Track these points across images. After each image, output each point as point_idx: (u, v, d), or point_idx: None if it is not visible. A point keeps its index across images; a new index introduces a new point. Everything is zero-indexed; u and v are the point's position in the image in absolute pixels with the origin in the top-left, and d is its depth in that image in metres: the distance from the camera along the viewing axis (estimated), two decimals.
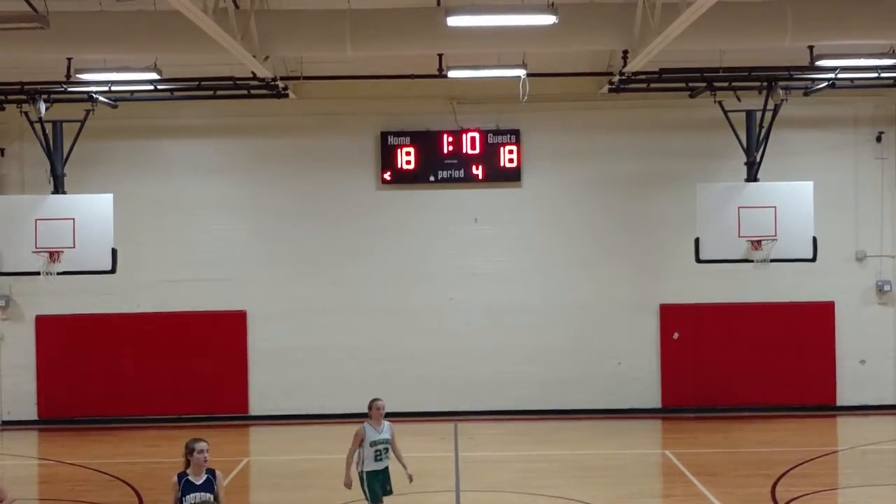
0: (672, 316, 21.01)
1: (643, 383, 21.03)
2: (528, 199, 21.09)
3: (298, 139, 21.15)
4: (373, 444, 11.64)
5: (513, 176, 20.99)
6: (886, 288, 21.08)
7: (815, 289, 20.89)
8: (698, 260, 17.93)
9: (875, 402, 21.01)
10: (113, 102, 19.52)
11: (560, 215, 21.12)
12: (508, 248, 21.16)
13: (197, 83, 18.79)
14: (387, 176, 20.94)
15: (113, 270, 17.48)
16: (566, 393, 20.97)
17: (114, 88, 18.57)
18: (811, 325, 21.00)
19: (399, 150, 20.87)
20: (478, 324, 21.09)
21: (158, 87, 18.54)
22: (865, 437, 18.58)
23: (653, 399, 21.06)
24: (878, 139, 21.06)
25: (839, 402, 21.03)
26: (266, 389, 20.99)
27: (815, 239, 17.61)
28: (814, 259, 17.79)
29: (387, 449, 11.77)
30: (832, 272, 20.72)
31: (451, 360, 21.04)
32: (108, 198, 17.47)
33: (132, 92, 19.04)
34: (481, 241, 21.14)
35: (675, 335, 21.01)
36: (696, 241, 17.81)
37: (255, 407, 21.02)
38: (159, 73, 16.77)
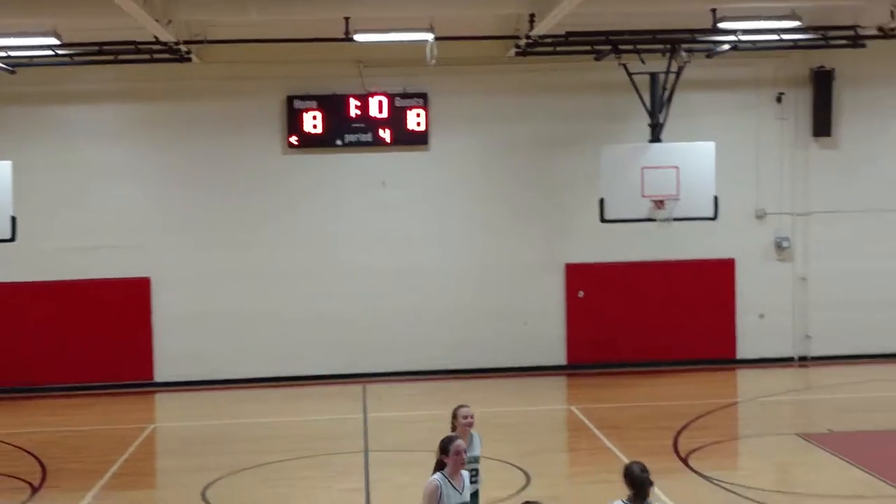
0: (577, 275, 21.36)
1: (549, 341, 21.38)
2: (436, 163, 21.19)
3: (203, 104, 20.93)
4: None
5: (420, 139, 21.05)
6: (785, 244, 21.65)
7: (717, 246, 21.39)
8: (603, 220, 18.21)
9: (773, 354, 21.62)
10: (11, 68, 19.11)
11: (467, 178, 21.28)
12: (417, 212, 21.25)
13: (98, 48, 18.47)
14: (293, 140, 20.86)
15: (12, 239, 17.16)
16: (475, 353, 21.22)
17: (11, 54, 18.18)
18: (712, 281, 21.52)
19: (305, 115, 20.78)
20: (387, 287, 21.19)
21: (58, 52, 18.20)
22: (764, 389, 19.13)
23: (559, 357, 21.42)
24: (779, 100, 21.54)
25: (739, 356, 21.61)
26: (172, 356, 20.85)
27: (716, 198, 17.98)
28: (715, 217, 18.18)
29: (477, 472, 9.02)
30: (733, 230, 21.22)
31: (360, 322, 21.12)
32: (5, 165, 17.11)
33: (31, 57, 18.66)
34: (390, 205, 21.19)
35: (580, 294, 21.38)
36: (601, 201, 18.08)
37: (161, 374, 20.87)
38: (59, 37, 16.45)
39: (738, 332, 21.63)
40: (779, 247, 21.70)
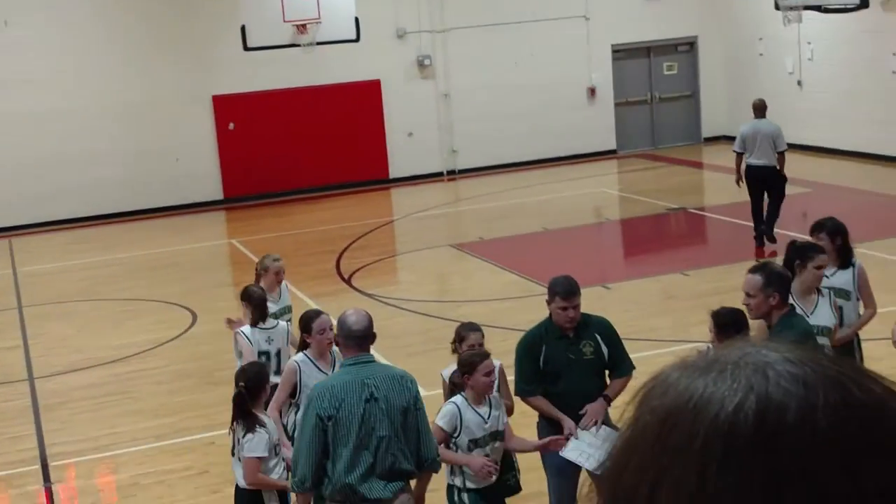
0: (226, 107, 20.93)
1: (203, 177, 20.99)
2: None
3: None
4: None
5: None
6: (427, 62, 22.10)
7: (362, 68, 21.51)
8: (246, 48, 17.83)
9: (423, 171, 22.30)
10: None
11: (102, 9, 20.06)
12: (48, 52, 19.87)
13: None
14: None
15: None
16: (127, 196, 20.51)
17: None
18: (360, 103, 21.72)
19: None
20: (25, 134, 19.88)
21: None
22: (417, 205, 19.77)
23: (214, 191, 21.12)
24: None
25: (391, 175, 22.14)
26: None
27: (357, 19, 17.99)
28: (357, 39, 18.23)
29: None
30: (376, 50, 21.36)
31: (1, 173, 19.81)
32: None
33: None
34: (16, 47, 19.68)
35: (231, 126, 21.01)
36: (243, 28, 17.65)
37: None
38: None
39: (389, 151, 22.10)
40: (421, 65, 22.13)
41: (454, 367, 6.54)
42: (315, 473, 5.69)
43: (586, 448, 6.37)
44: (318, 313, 7.16)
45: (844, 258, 7.72)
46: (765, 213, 14.30)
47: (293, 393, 6.99)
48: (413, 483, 5.97)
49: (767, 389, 0.83)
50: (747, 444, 0.81)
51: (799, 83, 21.22)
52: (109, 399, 10.63)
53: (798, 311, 6.59)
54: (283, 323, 8.31)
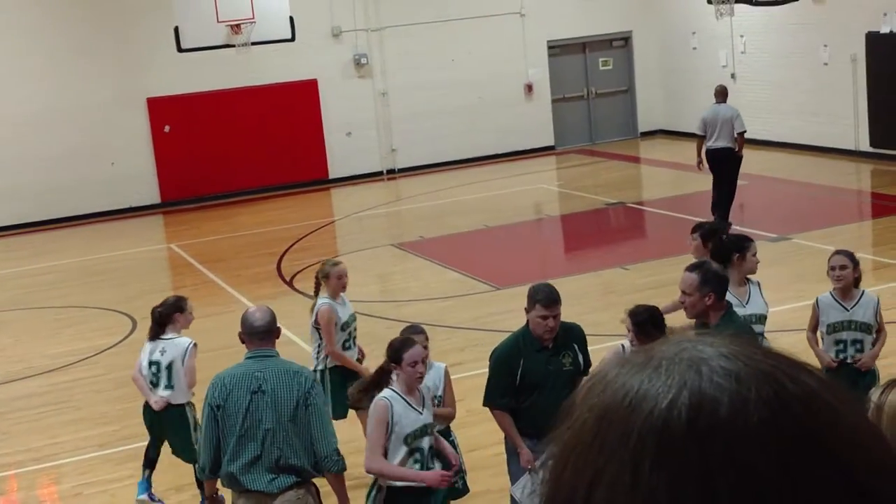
0: (161, 109, 20.72)
1: (140, 181, 20.76)
2: None
3: None
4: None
5: None
6: (363, 61, 22.05)
7: (298, 68, 21.40)
8: (180, 49, 17.66)
9: (363, 171, 22.25)
10: None
11: (32, 13, 19.74)
12: None
13: None
14: None
15: None
16: (61, 201, 20.22)
17: None
18: (297, 103, 21.62)
19: None
20: None
21: None
22: (357, 205, 19.72)
23: (151, 195, 20.91)
24: None
25: (331, 175, 22.06)
26: None
27: (291, 18, 17.90)
28: (293, 39, 18.14)
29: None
30: (312, 50, 21.28)
31: None
32: None
33: None
34: None
35: (166, 128, 20.81)
36: (176, 29, 17.49)
37: None
38: None
39: (329, 151, 22.01)
40: (358, 64, 22.07)
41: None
42: (213, 461, 5.92)
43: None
44: (410, 343, 6.16)
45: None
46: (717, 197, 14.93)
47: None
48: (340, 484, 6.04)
49: (700, 385, 0.84)
50: (680, 440, 0.81)
51: (733, 76, 21.46)
52: (49, 409, 10.48)
53: (735, 301, 6.67)
54: (184, 339, 7.80)
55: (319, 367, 8.02)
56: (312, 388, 5.85)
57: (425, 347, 6.39)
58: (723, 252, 7.27)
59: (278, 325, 6.10)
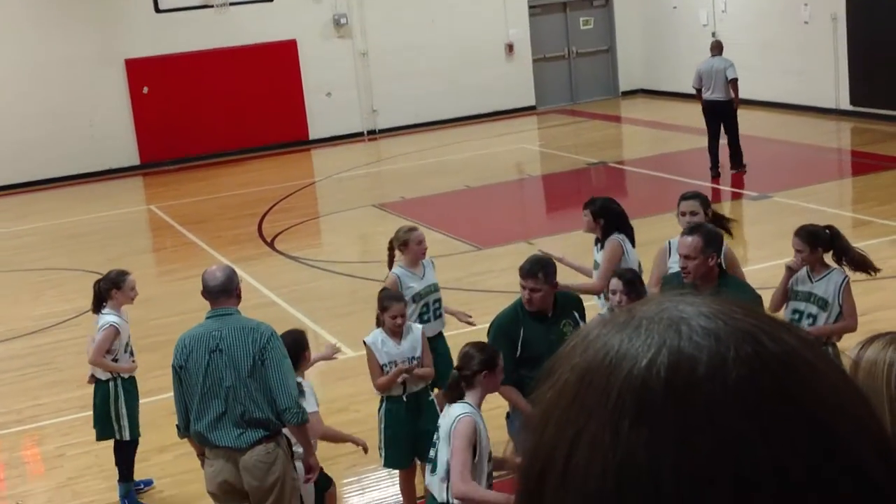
0: (139, 70, 20.55)
1: (119, 142, 20.63)
2: None
3: None
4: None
5: None
6: (343, 21, 21.90)
7: (277, 28, 21.24)
8: (158, 10, 17.52)
9: (344, 131, 22.16)
10: None
11: None
12: None
13: None
14: None
15: None
16: (39, 162, 20.08)
17: None
18: (277, 64, 21.47)
19: None
20: None
21: None
22: (338, 166, 19.64)
23: (130, 157, 20.78)
24: None
25: (312, 136, 21.97)
26: None
27: None
28: None
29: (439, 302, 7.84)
30: (291, 10, 21.13)
31: None
32: None
33: None
34: None
35: (145, 89, 20.65)
36: None
37: None
38: None
39: (308, 112, 21.91)
40: (337, 24, 21.92)
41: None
42: (184, 420, 6.06)
43: None
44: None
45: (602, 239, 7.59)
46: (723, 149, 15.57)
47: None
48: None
49: (680, 344, 0.84)
50: (659, 398, 0.82)
51: (713, 35, 21.39)
52: (31, 370, 10.47)
53: None
54: (107, 318, 7.54)
55: None
56: (268, 342, 5.86)
57: (403, 315, 6.65)
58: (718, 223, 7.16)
59: (237, 283, 6.09)
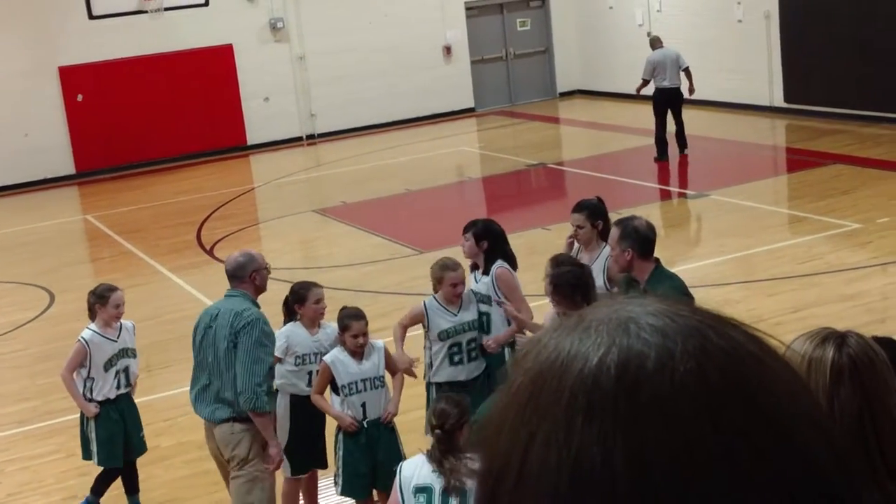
0: (73, 78, 20.27)
1: (53, 152, 20.32)
2: None
3: None
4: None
5: None
6: (280, 25, 21.77)
7: (213, 33, 21.06)
8: (91, 16, 17.30)
9: (283, 136, 22.03)
10: None
11: None
12: None
13: None
14: None
15: None
16: None
17: None
18: (213, 69, 21.29)
19: None
20: None
21: None
22: (278, 171, 19.52)
23: (66, 166, 20.49)
24: None
25: (250, 142, 21.81)
26: None
27: None
28: (207, 3, 17.87)
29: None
30: (227, 14, 20.97)
31: None
32: None
33: None
34: None
35: (79, 97, 20.36)
36: None
37: None
38: None
39: (246, 117, 21.75)
40: (274, 28, 21.79)
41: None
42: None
43: None
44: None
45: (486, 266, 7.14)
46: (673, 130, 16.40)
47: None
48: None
49: (628, 342, 0.86)
50: (610, 394, 0.84)
51: (649, 34, 21.58)
52: None
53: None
54: (84, 332, 7.37)
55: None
56: (244, 327, 6.13)
57: (364, 334, 6.47)
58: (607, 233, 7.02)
59: (252, 270, 6.36)
